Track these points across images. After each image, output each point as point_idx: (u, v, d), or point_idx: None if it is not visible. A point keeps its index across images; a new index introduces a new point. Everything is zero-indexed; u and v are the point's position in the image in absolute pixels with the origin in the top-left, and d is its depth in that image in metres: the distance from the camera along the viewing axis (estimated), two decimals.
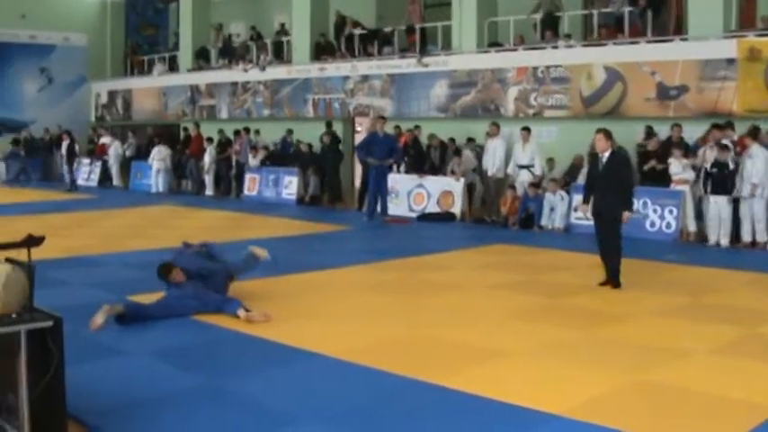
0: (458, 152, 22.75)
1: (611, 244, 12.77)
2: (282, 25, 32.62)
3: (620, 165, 12.99)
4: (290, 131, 27.49)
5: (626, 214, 12.61)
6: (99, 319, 9.88)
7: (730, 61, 19.49)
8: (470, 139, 23.28)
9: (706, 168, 17.12)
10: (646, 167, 19.27)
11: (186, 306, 10.72)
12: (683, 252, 16.53)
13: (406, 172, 23.11)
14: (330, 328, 10.34)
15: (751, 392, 7.81)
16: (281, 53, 31.61)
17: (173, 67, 36.30)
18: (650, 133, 19.92)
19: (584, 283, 12.97)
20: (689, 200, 18.08)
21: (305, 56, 29.57)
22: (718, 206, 17.06)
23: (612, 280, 12.75)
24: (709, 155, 17.62)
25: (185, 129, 32.42)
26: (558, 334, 10.03)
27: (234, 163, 28.01)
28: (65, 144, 31.99)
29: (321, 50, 29.39)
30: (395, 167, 23.07)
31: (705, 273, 14.37)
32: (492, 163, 21.38)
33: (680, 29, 22.45)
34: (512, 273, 14.19)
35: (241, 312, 10.43)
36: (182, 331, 10.07)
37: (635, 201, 17.66)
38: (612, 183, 12.63)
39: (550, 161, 21.50)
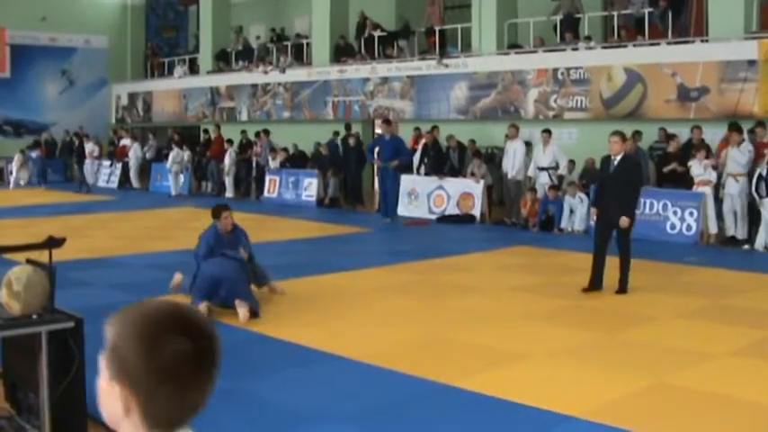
0: (477, 154, 22.71)
1: (622, 248, 12.67)
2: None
3: (630, 169, 12.87)
4: (336, 133, 27.04)
5: (624, 220, 12.45)
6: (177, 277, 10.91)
7: (751, 62, 19.42)
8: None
9: (761, 173, 16.95)
10: (665, 169, 19.20)
11: (221, 259, 11.03)
12: (704, 254, 16.48)
13: (426, 174, 23.09)
14: (350, 329, 10.36)
15: None
16: (300, 55, 31.65)
17: (193, 69, 36.39)
18: (668, 135, 19.83)
19: (604, 284, 12.91)
20: (710, 202, 18.00)
21: (324, 58, 29.61)
22: None
23: (621, 285, 12.61)
24: (737, 156, 17.54)
25: (205, 131, 32.48)
26: (577, 336, 10.02)
27: (254, 165, 28.03)
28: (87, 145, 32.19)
29: (341, 52, 29.41)
30: (415, 169, 23.10)
31: (726, 275, 14.32)
32: (511, 165, 21.35)
33: (700, 30, 22.41)
34: (532, 275, 14.18)
35: (242, 310, 10.52)
36: None
37: (654, 203, 17.74)
38: (621, 186, 12.56)
39: (571, 163, 21.46)
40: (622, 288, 12.53)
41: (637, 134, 19.85)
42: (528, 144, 22.08)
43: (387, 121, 22.48)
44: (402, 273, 14.18)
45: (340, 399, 7.70)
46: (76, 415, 6.17)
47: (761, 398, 7.71)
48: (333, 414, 7.26)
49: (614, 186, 12.55)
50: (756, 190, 16.87)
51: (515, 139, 21.45)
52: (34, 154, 34.09)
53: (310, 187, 25.96)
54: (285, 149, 27.96)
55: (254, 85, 31.99)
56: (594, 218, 13.14)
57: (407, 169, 22.73)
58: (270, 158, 27.25)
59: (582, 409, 7.30)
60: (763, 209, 16.84)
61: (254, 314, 10.72)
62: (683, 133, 19.83)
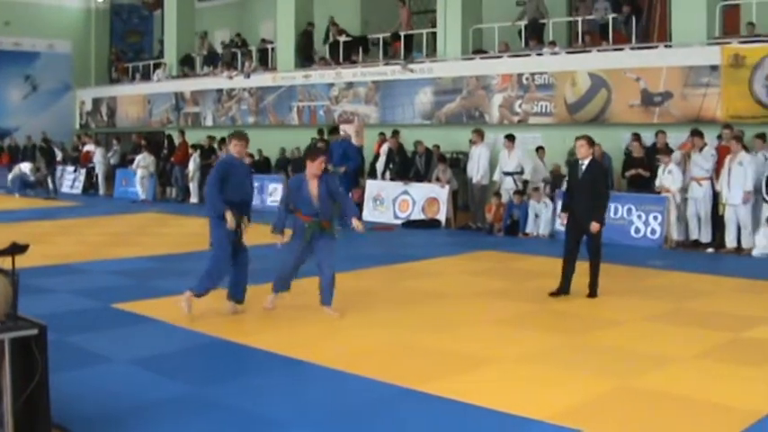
0: (442, 159, 22.73)
1: (592, 252, 12.71)
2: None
3: (598, 173, 12.91)
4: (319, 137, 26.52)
5: (594, 225, 12.49)
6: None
7: (714, 68, 19.55)
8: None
9: None
10: (628, 174, 19.30)
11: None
12: (668, 258, 16.58)
13: (391, 179, 23.10)
14: (315, 335, 10.35)
15: (735, 397, 7.84)
16: (265, 60, 31.59)
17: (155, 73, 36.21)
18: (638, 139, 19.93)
19: (549, 294, 12.89)
20: (673, 206, 18.13)
21: (289, 63, 29.57)
22: None
23: (591, 288, 12.67)
24: (700, 161, 17.72)
25: (169, 136, 32.36)
26: (543, 340, 10.04)
27: None
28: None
29: (306, 58, 29.37)
30: (380, 174, 23.09)
31: (690, 278, 14.41)
32: (476, 170, 21.40)
33: (664, 35, 22.55)
34: (497, 279, 14.21)
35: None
36: (165, 338, 10.06)
37: (619, 207, 17.85)
38: (590, 190, 12.58)
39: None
40: (593, 292, 12.59)
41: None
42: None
43: (335, 129, 22.31)
44: (368, 278, 14.16)
45: (306, 404, 7.68)
46: (40, 422, 6.11)
47: (725, 400, 7.74)
48: (298, 420, 7.23)
49: (582, 190, 12.58)
50: (766, 193, 17.00)
51: (480, 144, 21.50)
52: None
53: (275, 192, 25.89)
54: (250, 155, 27.84)
55: (219, 90, 31.90)
56: (564, 222, 13.15)
57: (355, 175, 22.66)
58: None
59: (547, 412, 7.31)
60: None
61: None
62: (647, 138, 19.92)
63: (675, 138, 19.56)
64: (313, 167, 11.08)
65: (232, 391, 7.96)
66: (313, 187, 11.07)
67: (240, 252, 11.49)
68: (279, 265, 11.45)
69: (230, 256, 11.34)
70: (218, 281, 11.28)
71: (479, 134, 21.65)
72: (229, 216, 11.05)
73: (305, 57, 29.37)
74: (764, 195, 17.01)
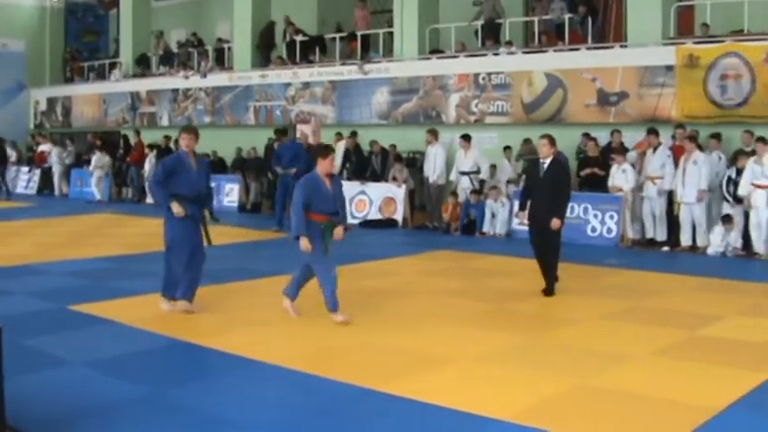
0: (399, 159, 22.74)
1: (550, 251, 12.82)
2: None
3: (561, 172, 13.03)
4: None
5: (556, 222, 12.58)
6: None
7: (669, 68, 19.69)
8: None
9: (730, 175, 17.18)
10: (583, 173, 19.40)
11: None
12: (624, 257, 16.68)
13: (348, 179, 23.07)
14: (273, 335, 10.33)
15: (692, 395, 7.90)
16: (222, 60, 31.46)
17: (112, 73, 35.96)
18: (590, 139, 20.03)
19: (527, 288, 13.02)
20: (628, 205, 18.27)
21: (246, 62, 29.46)
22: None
23: (547, 287, 12.77)
24: (655, 160, 17.88)
25: (125, 136, 32.13)
26: (502, 339, 10.06)
27: None
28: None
29: (268, 54, 29.27)
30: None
31: (646, 277, 14.50)
32: (432, 169, 21.43)
33: (620, 36, 22.67)
34: (455, 279, 14.23)
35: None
36: (123, 340, 9.97)
37: (575, 207, 17.94)
38: (552, 189, 12.68)
39: (492, 167, 21.53)
40: (549, 290, 12.68)
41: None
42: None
43: (283, 130, 22.18)
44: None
45: (265, 405, 7.66)
46: None
47: (682, 397, 7.80)
48: (257, 421, 7.20)
49: (544, 188, 12.66)
50: (727, 192, 17.13)
51: (435, 143, 21.53)
52: None
53: (232, 193, 25.83)
54: (206, 155, 27.74)
55: (175, 90, 31.72)
56: (525, 221, 13.23)
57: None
58: None
59: (506, 411, 7.32)
60: (733, 211, 17.12)
61: None
62: (603, 137, 20.04)
63: (631, 137, 19.70)
64: (326, 165, 10.99)
65: (191, 393, 7.92)
66: (327, 185, 10.99)
67: (198, 250, 11.45)
68: (298, 273, 11.25)
69: (185, 257, 11.33)
70: (177, 282, 11.37)
71: (434, 134, 21.70)
72: (176, 206, 11.10)
73: (266, 53, 29.19)
74: (725, 194, 17.17)
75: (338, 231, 10.97)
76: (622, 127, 20.06)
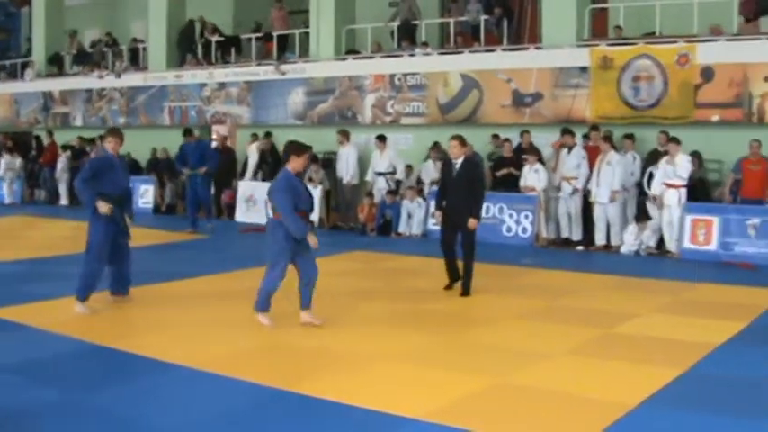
0: (315, 159, 22.63)
1: (466, 251, 12.86)
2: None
3: (473, 171, 13.17)
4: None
5: (472, 222, 12.68)
6: None
7: (583, 69, 19.88)
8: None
9: (652, 171, 17.35)
10: (498, 174, 19.48)
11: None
12: (540, 256, 16.79)
13: (264, 180, 22.92)
14: (188, 338, 10.16)
15: (607, 391, 7.95)
16: (136, 60, 31.08)
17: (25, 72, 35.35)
18: (504, 140, 20.12)
19: (443, 288, 13.02)
20: (543, 205, 18.42)
21: (161, 63, 29.15)
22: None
23: (464, 287, 12.82)
24: (570, 160, 18.06)
25: (38, 137, 31.61)
26: (417, 339, 10.04)
27: None
28: None
29: (183, 56, 28.98)
30: (252, 175, 22.93)
31: (561, 276, 14.60)
32: (345, 170, 21.42)
33: (535, 37, 22.81)
34: (371, 279, 14.20)
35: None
36: (37, 344, 9.77)
37: (491, 207, 18.03)
38: (466, 189, 12.77)
39: (408, 168, 21.55)
40: (466, 291, 12.72)
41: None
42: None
43: (188, 131, 21.98)
44: (239, 279, 13.98)
45: (179, 408, 7.53)
46: None
47: (597, 394, 7.86)
48: (173, 423, 7.09)
49: (457, 188, 12.75)
50: (648, 188, 17.32)
51: (347, 144, 21.53)
52: None
53: (147, 194, 25.55)
54: (121, 156, 27.40)
55: (89, 90, 31.20)
56: (439, 220, 13.28)
57: (228, 177, 22.49)
58: None
59: (422, 411, 7.28)
60: (651, 209, 17.33)
61: None
62: (517, 139, 20.17)
63: (546, 138, 19.84)
64: (300, 163, 10.82)
65: (105, 397, 7.76)
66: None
67: (122, 247, 11.56)
68: (268, 281, 10.79)
69: (105, 258, 11.33)
70: (96, 284, 11.28)
71: (345, 135, 21.74)
72: (102, 205, 11.13)
73: (186, 51, 28.85)
74: (647, 191, 17.38)
75: (312, 238, 10.76)
76: (537, 128, 20.23)
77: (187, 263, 15.70)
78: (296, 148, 10.89)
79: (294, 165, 10.72)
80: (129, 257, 11.75)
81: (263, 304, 10.67)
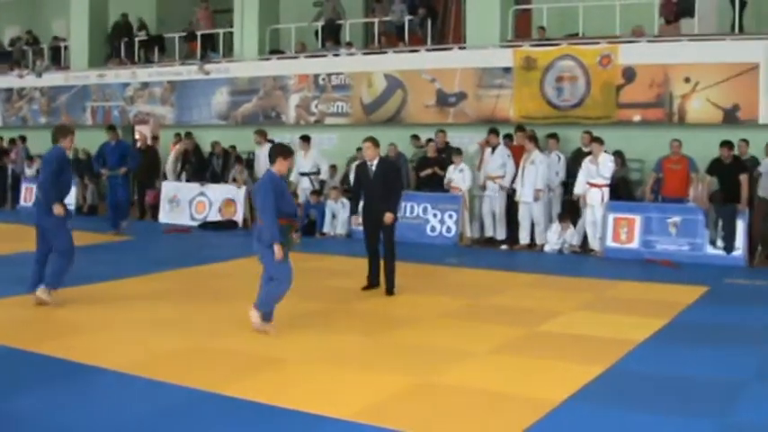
0: (239, 160, 22.51)
1: (386, 249, 12.95)
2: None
3: (390, 169, 13.30)
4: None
5: (389, 215, 12.78)
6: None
7: (507, 69, 20.02)
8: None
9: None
10: (423, 174, 19.50)
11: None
12: (464, 255, 16.83)
13: (187, 180, 22.76)
14: (111, 341, 10.01)
15: (531, 389, 7.99)
16: (58, 58, 30.65)
17: None
18: (427, 141, 20.16)
19: (361, 288, 13.00)
20: (467, 204, 18.49)
21: (83, 62, 28.79)
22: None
23: (388, 286, 12.88)
24: (495, 159, 18.15)
25: None
26: (342, 339, 10.02)
27: (9, 173, 26.95)
28: None
29: (101, 56, 28.64)
30: (176, 175, 22.78)
31: (485, 275, 14.65)
32: (263, 170, 21.30)
33: (459, 38, 22.89)
34: (295, 279, 14.09)
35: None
36: None
37: (414, 206, 18.07)
38: (383, 187, 12.87)
39: (332, 168, 21.52)
40: (390, 290, 12.77)
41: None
42: None
43: (111, 127, 21.78)
44: (163, 281, 13.87)
45: (102, 411, 7.41)
46: None
47: (521, 391, 7.91)
48: (96, 427, 6.99)
49: (375, 189, 12.85)
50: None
51: (264, 144, 21.46)
52: None
53: (69, 195, 25.17)
54: (42, 156, 27.04)
55: (9, 90, 30.67)
56: (356, 223, 13.35)
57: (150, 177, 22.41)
58: (26, 166, 26.31)
59: (347, 410, 7.26)
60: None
61: None
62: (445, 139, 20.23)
63: (471, 138, 19.93)
64: (286, 165, 10.67)
65: (22, 402, 7.61)
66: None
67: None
68: (276, 286, 10.40)
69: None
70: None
71: (262, 134, 21.63)
72: (59, 207, 11.74)
73: (117, 47, 28.50)
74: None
75: (296, 235, 10.65)
76: (461, 128, 20.34)
77: (110, 265, 15.50)
78: (283, 149, 10.72)
79: (280, 167, 10.52)
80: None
81: (268, 314, 10.38)
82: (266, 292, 10.32)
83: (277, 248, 10.03)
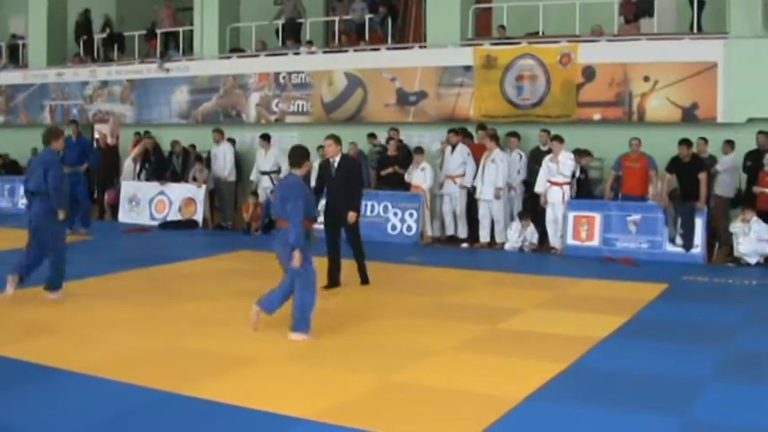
0: (199, 158, 22.42)
1: (354, 247, 13.13)
2: None
3: (351, 166, 13.44)
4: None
5: (352, 215, 12.96)
6: None
7: (467, 68, 20.07)
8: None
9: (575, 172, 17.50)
10: (384, 173, 19.50)
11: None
12: (424, 254, 16.86)
13: (147, 179, 22.65)
14: (73, 342, 9.91)
15: (493, 386, 8.02)
16: (16, 57, 30.39)
17: None
18: (389, 138, 20.17)
19: (323, 287, 12.99)
20: (428, 203, 18.53)
21: (42, 60, 28.57)
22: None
23: (363, 278, 13.22)
24: (454, 158, 18.19)
25: None
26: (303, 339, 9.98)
27: None
28: None
29: (60, 54, 28.44)
30: (135, 175, 22.69)
31: (446, 273, 14.68)
32: (221, 168, 21.30)
33: (419, 36, 22.93)
34: (257, 279, 14.03)
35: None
36: None
37: (375, 205, 18.09)
38: (345, 185, 12.98)
39: None
40: (365, 279, 13.24)
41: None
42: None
43: (74, 121, 21.62)
44: (124, 281, 13.79)
45: (66, 413, 7.33)
46: None
47: (484, 389, 7.93)
48: (60, 429, 6.93)
49: (338, 186, 12.94)
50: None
51: (222, 142, 21.44)
52: None
53: None
54: (0, 156, 26.87)
55: None
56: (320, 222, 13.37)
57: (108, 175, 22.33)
58: None
59: (311, 411, 7.24)
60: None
61: None
62: (403, 137, 20.25)
63: (431, 136, 19.99)
64: (306, 167, 10.63)
65: None
66: None
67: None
68: (308, 294, 10.15)
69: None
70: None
71: (220, 133, 21.67)
72: (63, 212, 12.26)
73: (82, 43, 28.27)
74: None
75: (313, 235, 10.54)
76: (421, 126, 20.38)
77: (71, 265, 15.28)
78: (306, 152, 10.68)
79: (303, 170, 10.51)
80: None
81: (304, 323, 10.03)
82: (299, 307, 9.98)
83: (297, 255, 9.80)
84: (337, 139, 13.26)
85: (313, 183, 16.61)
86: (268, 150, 20.85)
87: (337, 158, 13.11)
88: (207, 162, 22.59)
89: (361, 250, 13.15)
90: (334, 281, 13.07)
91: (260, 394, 7.79)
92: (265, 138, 20.90)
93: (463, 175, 18.17)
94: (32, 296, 12.06)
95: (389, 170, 19.44)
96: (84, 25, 28.35)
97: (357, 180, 13.35)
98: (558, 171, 17.01)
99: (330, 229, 13.17)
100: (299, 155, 10.45)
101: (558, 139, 17.18)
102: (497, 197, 17.67)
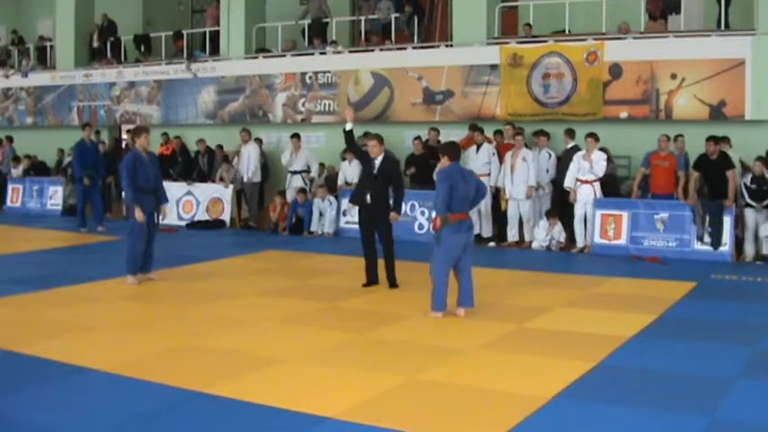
0: (226, 158, 22.48)
1: (386, 246, 13.11)
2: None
3: (393, 167, 13.47)
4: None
5: (393, 215, 13.01)
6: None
7: (494, 67, 20.01)
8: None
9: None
10: (408, 172, 19.47)
11: None
12: None
13: (175, 180, 22.70)
14: (100, 341, 9.97)
15: (521, 385, 7.99)
16: (44, 58, 30.54)
17: None
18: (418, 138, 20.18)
19: (355, 286, 13.06)
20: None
21: (69, 61, 28.70)
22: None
23: (391, 280, 13.16)
24: (478, 156, 18.16)
25: None
26: (331, 337, 9.99)
27: None
28: None
29: (89, 56, 28.57)
30: None
31: (474, 272, 14.57)
32: (246, 168, 21.33)
33: (445, 35, 22.90)
34: (283, 278, 14.12)
35: None
36: None
37: (403, 204, 18.08)
38: (385, 185, 13.00)
39: (321, 166, 21.48)
40: (393, 282, 13.16)
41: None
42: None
43: (88, 125, 21.72)
44: (152, 281, 13.83)
45: (93, 412, 7.37)
46: None
47: (510, 388, 7.90)
48: (86, 428, 6.96)
49: (378, 186, 12.99)
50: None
51: (249, 142, 21.47)
52: None
53: (55, 195, 25.14)
54: (29, 157, 27.00)
55: None
56: (350, 218, 13.45)
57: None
58: (12, 167, 26.26)
59: (337, 409, 7.24)
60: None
61: None
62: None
63: (458, 135, 19.92)
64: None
65: (16, 402, 7.57)
66: None
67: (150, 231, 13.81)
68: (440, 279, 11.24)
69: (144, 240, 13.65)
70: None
71: (247, 132, 21.71)
72: (140, 213, 13.35)
73: (105, 47, 28.41)
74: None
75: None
76: (448, 125, 20.32)
77: (96, 264, 15.47)
78: (456, 146, 11.85)
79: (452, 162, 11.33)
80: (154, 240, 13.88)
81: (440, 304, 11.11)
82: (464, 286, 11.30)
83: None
84: (381, 140, 13.33)
85: (340, 181, 17.03)
86: (299, 150, 20.83)
87: (380, 158, 13.14)
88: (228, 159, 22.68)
89: (392, 252, 13.14)
90: (372, 279, 13.19)
91: (285, 393, 7.78)
92: (297, 137, 20.89)
93: (488, 175, 18.11)
94: (58, 295, 12.12)
95: (412, 170, 19.44)
96: (107, 29, 28.46)
97: (398, 180, 13.41)
98: (589, 170, 16.93)
99: (365, 230, 13.22)
100: (452, 150, 11.52)
101: (594, 136, 17.07)
102: (529, 196, 17.62)
